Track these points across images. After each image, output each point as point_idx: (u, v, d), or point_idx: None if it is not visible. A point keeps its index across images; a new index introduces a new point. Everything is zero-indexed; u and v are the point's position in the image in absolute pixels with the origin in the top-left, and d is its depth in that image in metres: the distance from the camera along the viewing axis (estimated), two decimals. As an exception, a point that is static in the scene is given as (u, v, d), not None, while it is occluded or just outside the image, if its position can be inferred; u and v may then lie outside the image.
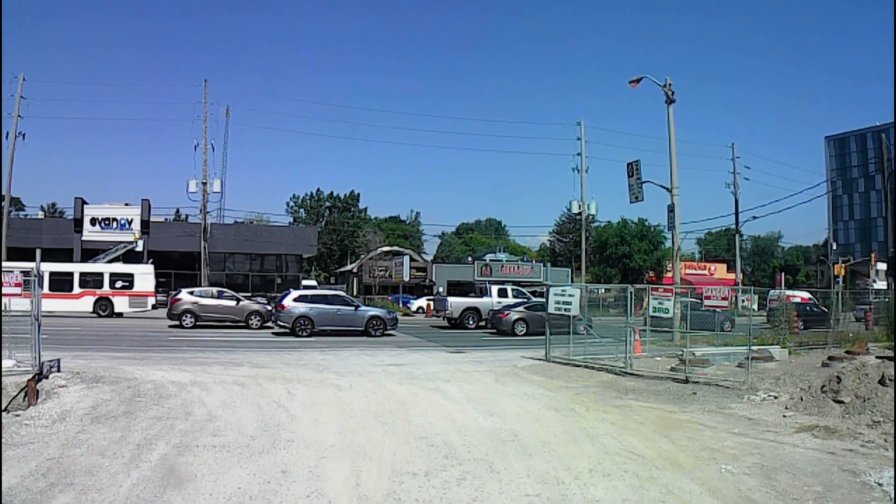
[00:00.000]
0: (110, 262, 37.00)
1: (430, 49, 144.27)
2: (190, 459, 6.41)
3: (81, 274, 30.16)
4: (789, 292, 26.87)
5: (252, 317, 24.96)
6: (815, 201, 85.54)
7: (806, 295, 27.73)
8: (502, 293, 29.27)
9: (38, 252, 10.25)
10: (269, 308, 25.75)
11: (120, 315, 29.24)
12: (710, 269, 64.92)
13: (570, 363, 15.08)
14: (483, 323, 27.80)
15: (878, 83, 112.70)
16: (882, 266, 43.28)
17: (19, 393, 8.84)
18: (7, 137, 37.27)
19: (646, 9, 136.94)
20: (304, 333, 21.86)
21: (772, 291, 25.40)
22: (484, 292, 29.87)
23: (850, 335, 20.16)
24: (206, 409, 8.79)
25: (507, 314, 25.14)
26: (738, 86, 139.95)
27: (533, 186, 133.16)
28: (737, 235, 50.36)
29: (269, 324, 24.53)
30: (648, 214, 67.27)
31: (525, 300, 27.96)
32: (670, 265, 35.94)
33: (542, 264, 56.06)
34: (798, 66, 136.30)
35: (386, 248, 60.98)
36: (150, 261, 36.01)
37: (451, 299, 29.18)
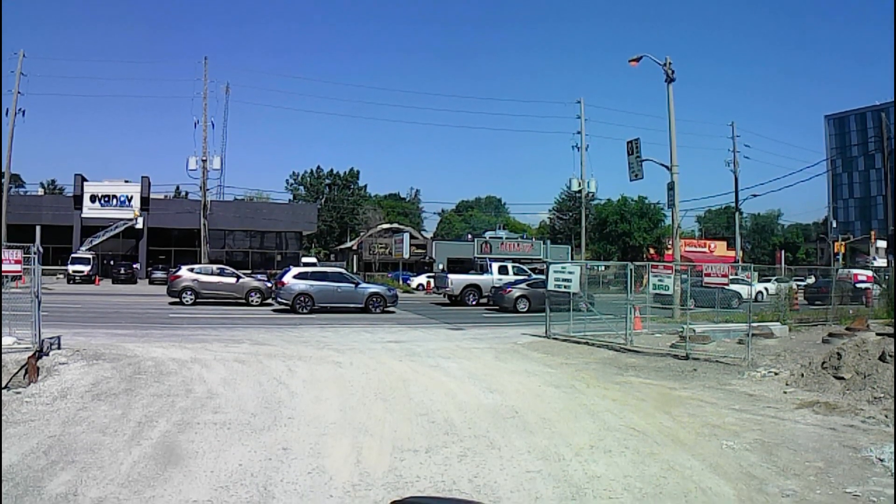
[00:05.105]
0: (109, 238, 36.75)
1: (431, 27, 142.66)
2: (191, 437, 6.41)
3: None
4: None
5: (252, 294, 24.95)
6: (815, 180, 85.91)
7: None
8: (503, 270, 29.24)
9: (37, 229, 10.19)
10: (270, 285, 25.72)
11: None
12: (710, 246, 64.86)
13: (570, 340, 15.10)
14: (483, 300, 27.83)
15: (878, 62, 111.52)
16: (882, 244, 43.36)
17: (20, 370, 8.85)
18: (7, 114, 36.92)
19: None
20: (305, 310, 21.87)
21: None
22: (485, 269, 29.82)
23: (851, 312, 20.17)
24: (206, 386, 8.79)
25: (510, 291, 25.15)
26: (738, 64, 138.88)
27: (533, 164, 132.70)
28: (737, 213, 50.20)
29: (270, 301, 24.51)
30: (648, 192, 67.08)
31: (526, 277, 27.95)
32: (670, 243, 35.85)
33: (541, 242, 56.21)
34: (798, 44, 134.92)
35: (386, 226, 60.87)
36: None
37: (452, 276, 29.15)
